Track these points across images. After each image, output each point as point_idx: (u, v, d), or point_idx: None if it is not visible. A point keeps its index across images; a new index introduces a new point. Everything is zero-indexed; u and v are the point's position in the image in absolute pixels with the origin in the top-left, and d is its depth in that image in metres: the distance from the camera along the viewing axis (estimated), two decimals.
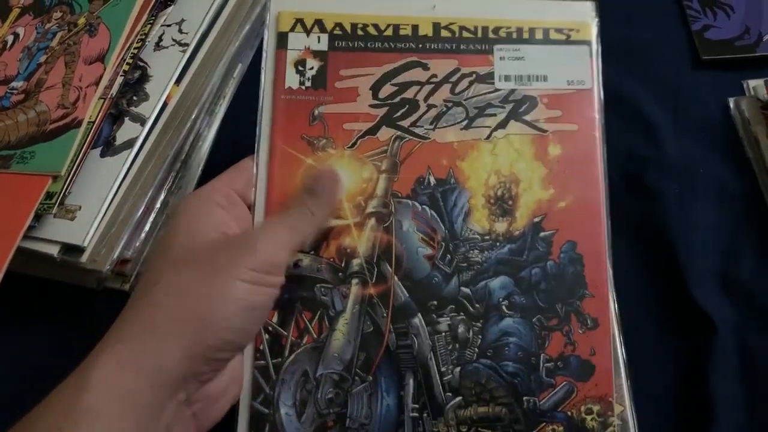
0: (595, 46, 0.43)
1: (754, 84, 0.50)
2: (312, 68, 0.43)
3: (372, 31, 0.44)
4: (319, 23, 0.44)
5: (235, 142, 0.51)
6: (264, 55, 0.43)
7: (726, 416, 0.38)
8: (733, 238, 0.45)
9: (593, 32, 0.44)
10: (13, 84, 0.51)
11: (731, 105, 0.51)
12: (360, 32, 0.44)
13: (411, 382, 0.38)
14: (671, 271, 0.44)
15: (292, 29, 0.44)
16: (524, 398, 0.38)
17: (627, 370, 0.38)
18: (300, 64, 0.43)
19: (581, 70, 0.43)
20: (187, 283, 0.35)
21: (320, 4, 0.44)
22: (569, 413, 0.37)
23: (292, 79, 0.43)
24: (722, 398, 0.39)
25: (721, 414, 0.38)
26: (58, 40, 0.52)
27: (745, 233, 0.45)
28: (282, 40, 0.43)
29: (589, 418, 0.37)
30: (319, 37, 0.43)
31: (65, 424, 0.31)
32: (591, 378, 0.38)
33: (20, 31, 0.54)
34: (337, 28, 0.44)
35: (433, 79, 0.43)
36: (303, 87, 0.43)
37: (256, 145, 0.41)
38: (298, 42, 0.43)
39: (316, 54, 0.43)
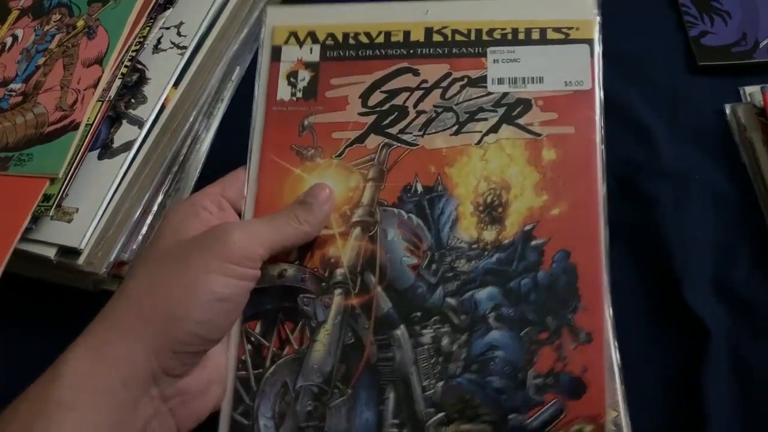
0: (597, 45, 0.42)
1: (751, 90, 0.50)
2: (304, 79, 0.43)
3: (363, 39, 0.43)
4: (311, 35, 0.44)
5: (233, 145, 0.51)
6: (258, 68, 0.44)
7: (720, 421, 0.38)
8: (728, 244, 0.45)
9: (595, 30, 0.42)
10: (12, 86, 0.51)
11: (727, 111, 0.51)
12: (351, 41, 0.43)
13: (391, 396, 0.36)
14: (665, 277, 0.44)
15: (286, 42, 0.44)
16: (510, 416, 0.36)
17: (621, 375, 0.37)
18: (292, 75, 0.43)
19: (580, 70, 0.41)
20: (157, 276, 0.35)
21: (314, 17, 0.44)
22: None
23: (283, 91, 0.43)
24: (716, 403, 0.39)
25: (715, 419, 0.38)
26: (57, 42, 0.52)
27: (740, 239, 0.45)
28: (276, 53, 0.44)
29: None
30: (311, 48, 0.44)
31: (37, 417, 0.31)
32: (582, 396, 0.36)
33: (19, 33, 0.54)
34: (330, 39, 0.44)
35: (424, 85, 0.42)
36: (294, 98, 0.43)
37: (247, 155, 0.42)
38: (291, 54, 0.44)
39: (308, 65, 0.43)
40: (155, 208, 0.47)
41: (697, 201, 0.47)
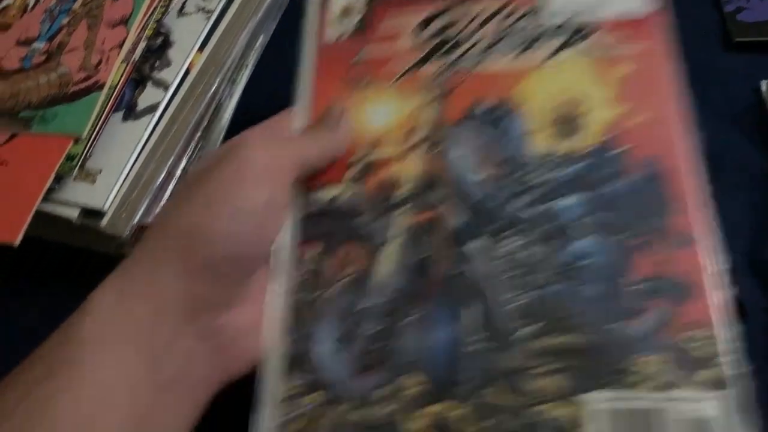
0: None
1: None
2: (353, 20, 0.42)
3: None
4: None
5: (256, 112, 0.50)
6: (306, 12, 0.43)
7: (761, 401, 0.37)
8: (764, 222, 0.44)
9: None
10: (35, 45, 0.50)
11: (764, 88, 0.49)
12: None
13: (469, 311, 0.33)
14: None
15: None
16: (610, 326, 0.32)
17: (726, 283, 0.33)
18: (340, 18, 0.42)
19: (635, 3, 0.40)
20: (181, 196, 0.34)
21: None
22: (667, 341, 0.32)
23: (332, 33, 0.42)
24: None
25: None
26: (81, 2, 0.51)
27: None
28: (324, 2, 0.43)
29: (692, 345, 0.32)
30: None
31: (60, 359, 0.29)
32: (690, 300, 0.32)
33: None
34: None
35: (481, 15, 0.40)
36: (344, 38, 0.41)
37: (295, 92, 0.40)
38: (339, 2, 0.43)
39: (358, 8, 0.42)
40: (178, 172, 0.47)
41: (731, 178, 0.46)
